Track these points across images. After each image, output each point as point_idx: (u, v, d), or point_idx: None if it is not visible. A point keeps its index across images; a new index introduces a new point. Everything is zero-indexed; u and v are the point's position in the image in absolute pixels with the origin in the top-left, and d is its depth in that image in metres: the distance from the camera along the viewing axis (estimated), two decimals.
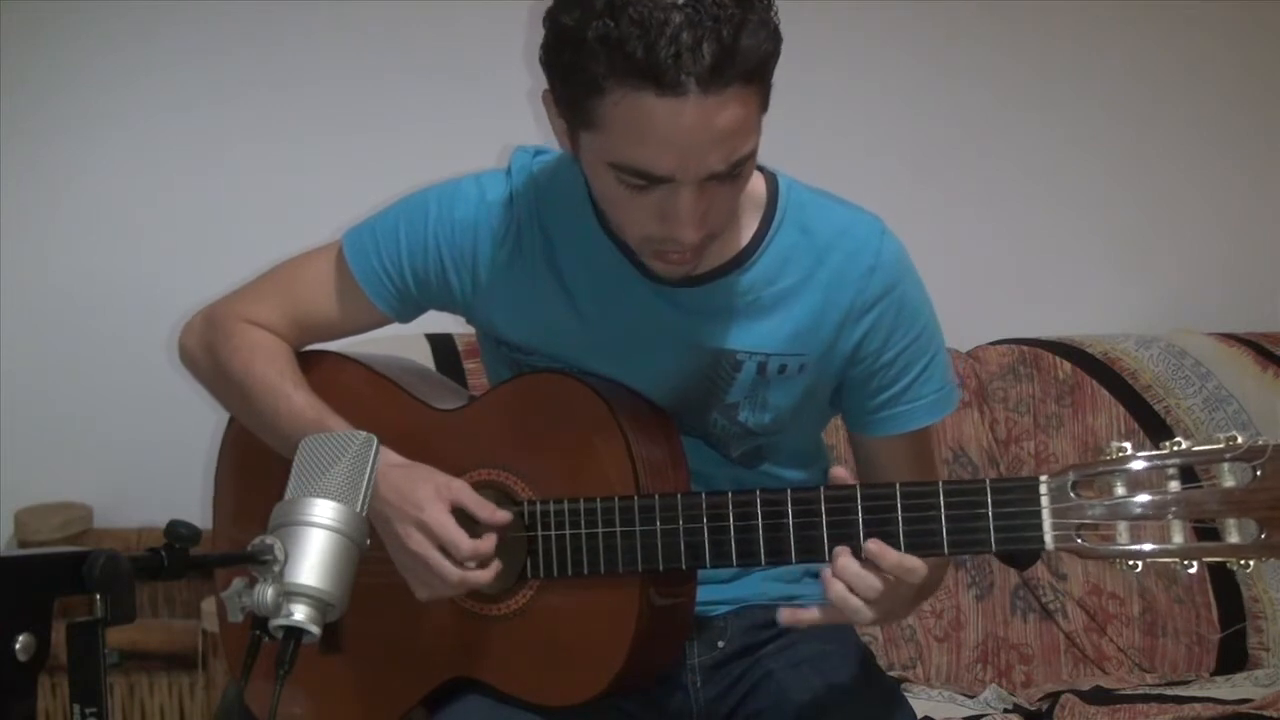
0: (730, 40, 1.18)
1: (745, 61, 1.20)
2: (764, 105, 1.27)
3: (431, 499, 1.37)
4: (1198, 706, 2.01)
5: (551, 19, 1.25)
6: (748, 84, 1.22)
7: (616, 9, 1.18)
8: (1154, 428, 2.51)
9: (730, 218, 1.37)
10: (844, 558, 1.27)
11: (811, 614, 1.31)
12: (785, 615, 1.32)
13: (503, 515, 1.40)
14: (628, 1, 1.18)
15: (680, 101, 1.19)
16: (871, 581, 1.26)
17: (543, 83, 1.32)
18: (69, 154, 2.56)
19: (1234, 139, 2.96)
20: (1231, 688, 2.17)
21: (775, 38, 1.24)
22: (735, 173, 1.28)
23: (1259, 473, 1.15)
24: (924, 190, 2.77)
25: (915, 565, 1.26)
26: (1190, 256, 2.95)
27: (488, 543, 1.38)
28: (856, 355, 1.46)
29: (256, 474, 1.56)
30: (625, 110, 1.21)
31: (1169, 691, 2.14)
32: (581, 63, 1.22)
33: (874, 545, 1.26)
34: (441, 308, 1.57)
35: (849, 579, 1.26)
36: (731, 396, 1.47)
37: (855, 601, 1.26)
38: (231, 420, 1.64)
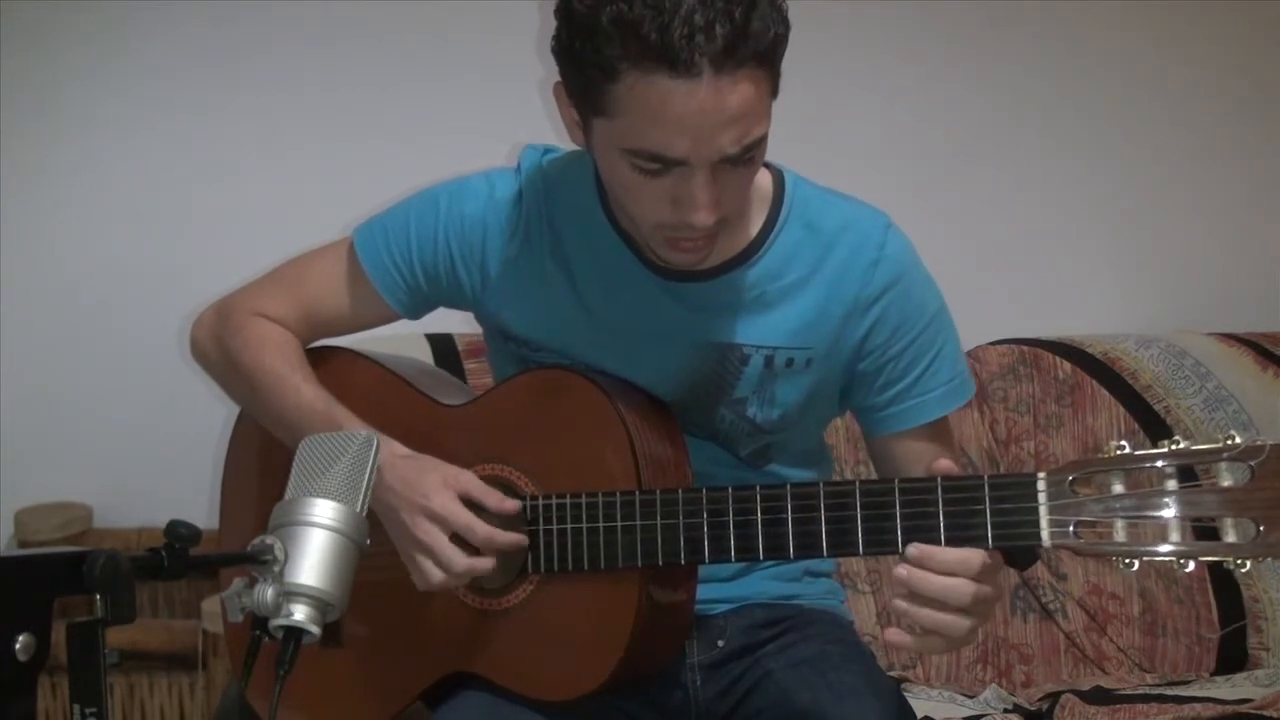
0: (742, 21, 1.20)
1: (757, 43, 1.22)
2: (774, 90, 1.29)
3: (439, 488, 1.38)
4: (1198, 706, 2.01)
5: (564, 7, 1.27)
6: (759, 65, 1.24)
7: None
8: (1154, 428, 2.50)
9: (743, 204, 1.38)
10: (917, 571, 1.23)
11: (905, 639, 1.25)
12: (891, 634, 1.26)
13: (512, 504, 1.40)
14: None
15: (694, 83, 1.21)
16: (961, 588, 1.22)
17: (553, 78, 1.33)
18: (72, 152, 2.56)
19: (1234, 139, 2.96)
20: (1231, 688, 2.17)
21: (785, 21, 1.26)
22: (747, 156, 1.29)
23: (1256, 472, 1.16)
24: (924, 190, 2.76)
25: (970, 555, 1.23)
26: (1191, 256, 2.95)
27: (503, 533, 1.38)
28: (863, 349, 1.47)
29: (263, 473, 1.57)
30: (639, 93, 1.23)
31: (1169, 691, 2.13)
32: (595, 47, 1.23)
33: (915, 550, 1.23)
34: (450, 304, 1.58)
35: (935, 592, 1.22)
36: (739, 391, 1.47)
37: (947, 617, 1.22)
38: (238, 420, 1.65)
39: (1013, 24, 2.85)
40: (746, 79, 1.23)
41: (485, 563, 1.39)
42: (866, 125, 2.78)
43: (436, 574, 1.39)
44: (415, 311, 1.58)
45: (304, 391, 1.49)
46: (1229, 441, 1.16)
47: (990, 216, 2.86)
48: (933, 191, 2.78)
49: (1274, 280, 2.97)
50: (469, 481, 1.40)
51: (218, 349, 1.58)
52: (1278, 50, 2.98)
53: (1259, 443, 1.16)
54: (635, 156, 1.28)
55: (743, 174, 1.32)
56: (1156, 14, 2.90)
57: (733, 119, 1.24)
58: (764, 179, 1.46)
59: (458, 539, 1.38)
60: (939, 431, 1.52)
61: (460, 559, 1.37)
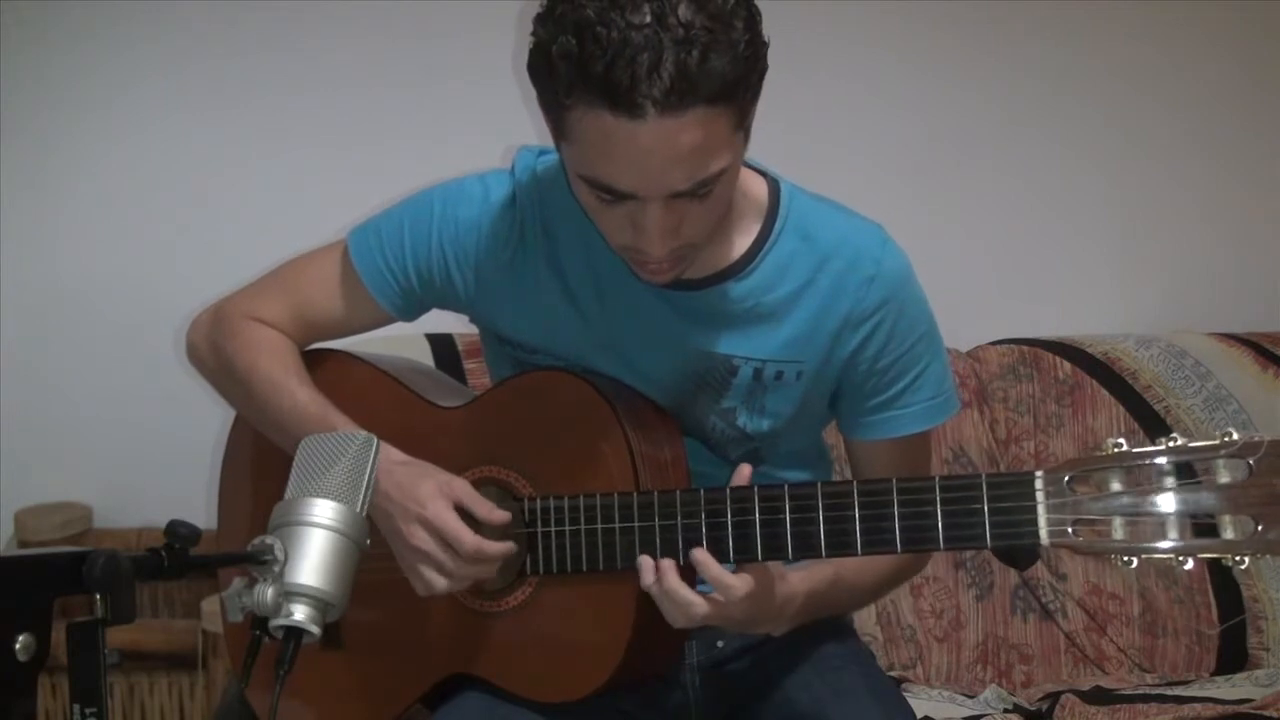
0: (695, 62, 1.17)
1: (708, 85, 1.18)
2: (738, 124, 1.25)
3: (434, 495, 1.38)
4: (1198, 706, 2.01)
5: (533, 30, 1.26)
6: (712, 106, 1.20)
7: (582, 27, 1.18)
8: (1154, 428, 2.50)
9: (710, 231, 1.35)
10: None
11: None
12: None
13: (501, 515, 1.40)
14: (594, 20, 1.17)
15: (637, 123, 1.19)
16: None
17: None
18: (70, 153, 2.56)
19: (1233, 139, 2.96)
20: (1232, 688, 2.17)
21: (749, 60, 1.21)
22: (702, 192, 1.26)
23: (1255, 469, 1.16)
24: (924, 190, 2.76)
25: (733, 584, 1.30)
26: (1191, 256, 2.95)
27: (492, 544, 1.38)
28: (852, 361, 1.46)
29: (261, 473, 1.57)
30: (587, 126, 1.22)
31: (1169, 691, 2.13)
32: (549, 76, 1.22)
33: (700, 554, 1.32)
34: (445, 306, 1.57)
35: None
36: (728, 401, 1.47)
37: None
38: (236, 421, 1.65)
39: (1013, 23, 2.85)
40: (696, 120, 1.19)
41: (483, 570, 1.39)
42: (867, 125, 2.78)
43: (438, 581, 1.39)
44: (409, 314, 1.58)
45: (299, 395, 1.49)
46: (1226, 438, 1.16)
47: (990, 216, 2.86)
48: (933, 191, 2.78)
49: (1274, 280, 2.96)
50: (461, 489, 1.40)
51: (213, 353, 1.58)
52: (1278, 50, 2.98)
53: (1257, 439, 1.16)
54: (589, 184, 1.27)
55: (701, 206, 1.29)
56: (1157, 14, 2.90)
57: (681, 158, 1.22)
58: (759, 189, 1.45)
59: None
60: (915, 444, 1.52)
61: (455, 567, 1.37)
